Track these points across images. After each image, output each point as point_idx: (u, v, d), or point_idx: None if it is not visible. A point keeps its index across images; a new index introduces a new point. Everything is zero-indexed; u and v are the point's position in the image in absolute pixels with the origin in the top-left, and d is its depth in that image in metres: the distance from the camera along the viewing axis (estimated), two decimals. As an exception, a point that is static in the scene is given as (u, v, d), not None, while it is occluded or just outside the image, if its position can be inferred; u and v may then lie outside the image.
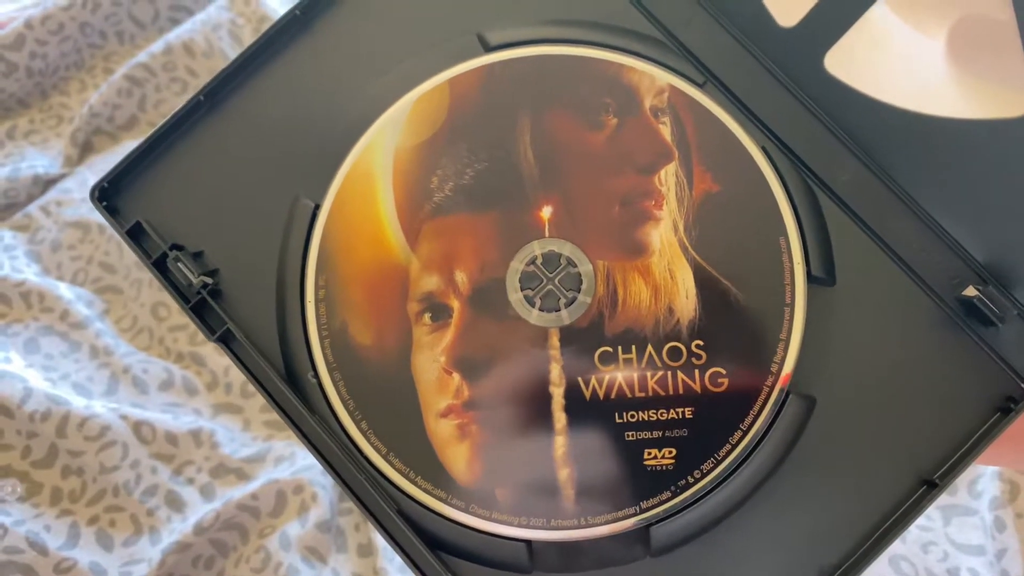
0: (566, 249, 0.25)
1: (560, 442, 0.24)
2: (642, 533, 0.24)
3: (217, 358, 0.48)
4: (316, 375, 0.25)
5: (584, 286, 0.25)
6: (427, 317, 0.25)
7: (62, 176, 0.55)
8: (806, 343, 0.24)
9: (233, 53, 0.58)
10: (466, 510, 0.24)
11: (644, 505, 0.24)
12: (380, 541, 0.41)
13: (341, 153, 0.26)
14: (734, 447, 0.24)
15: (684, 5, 0.27)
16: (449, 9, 0.27)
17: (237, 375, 0.48)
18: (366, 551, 0.42)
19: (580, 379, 0.24)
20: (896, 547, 0.39)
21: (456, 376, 0.24)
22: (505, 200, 0.26)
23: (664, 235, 0.25)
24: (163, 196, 0.26)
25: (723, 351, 0.24)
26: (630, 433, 0.24)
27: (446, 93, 0.26)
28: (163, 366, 0.48)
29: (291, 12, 0.27)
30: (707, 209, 0.25)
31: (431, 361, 0.24)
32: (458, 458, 0.24)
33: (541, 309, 0.25)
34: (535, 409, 0.24)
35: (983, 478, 0.40)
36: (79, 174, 0.55)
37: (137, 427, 0.45)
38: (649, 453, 0.24)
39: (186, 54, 0.57)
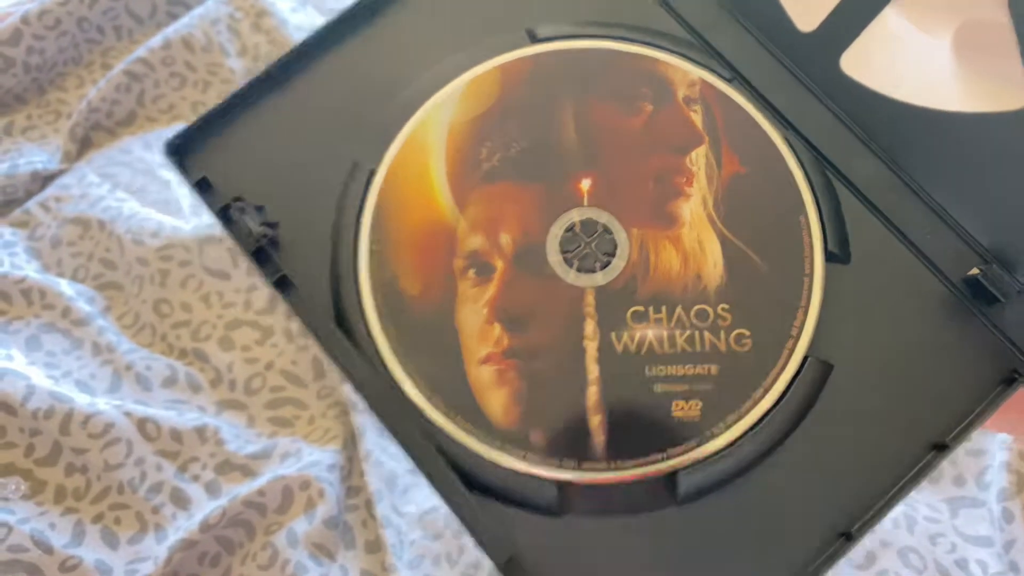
0: (603, 217, 0.29)
1: (593, 391, 0.27)
2: (669, 481, 0.27)
3: (221, 355, 0.50)
4: (365, 322, 0.28)
5: (619, 251, 0.29)
6: (472, 272, 0.29)
7: (61, 172, 0.57)
8: (823, 312, 0.28)
9: (232, 47, 0.60)
10: (502, 450, 0.27)
11: (671, 452, 0.27)
12: (388, 538, 0.43)
13: (398, 124, 0.30)
14: (756, 403, 0.27)
15: (711, 10, 0.32)
16: (501, 9, 0.32)
17: (240, 372, 0.50)
18: (374, 547, 0.44)
19: (613, 334, 0.28)
20: (904, 538, 0.41)
21: (497, 327, 0.28)
22: (548, 172, 0.30)
23: (694, 209, 0.29)
24: (229, 157, 0.30)
25: (747, 315, 0.28)
26: (659, 385, 0.27)
27: (498, 77, 0.31)
28: (166, 363, 0.49)
29: (358, 3, 0.31)
30: (734, 188, 0.29)
31: (474, 313, 0.28)
32: (496, 402, 0.27)
33: (578, 270, 0.29)
34: (570, 360, 0.28)
35: (991, 469, 0.43)
36: (78, 170, 0.56)
37: (141, 424, 0.46)
38: (677, 405, 0.27)
39: (185, 49, 0.59)
